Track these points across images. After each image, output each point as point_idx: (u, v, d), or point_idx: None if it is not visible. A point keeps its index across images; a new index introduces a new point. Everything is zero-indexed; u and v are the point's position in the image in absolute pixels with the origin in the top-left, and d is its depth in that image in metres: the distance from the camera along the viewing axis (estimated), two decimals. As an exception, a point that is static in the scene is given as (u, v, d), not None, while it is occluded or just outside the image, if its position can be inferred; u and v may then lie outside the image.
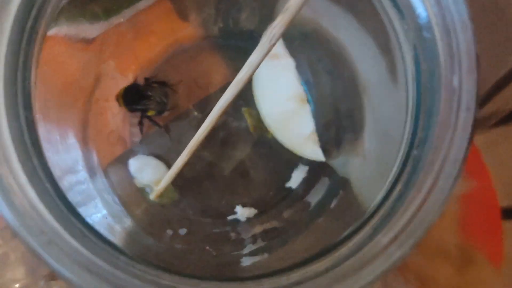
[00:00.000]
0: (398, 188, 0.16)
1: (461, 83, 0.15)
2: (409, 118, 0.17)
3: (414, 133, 0.16)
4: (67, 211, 0.17)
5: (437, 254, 0.37)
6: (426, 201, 0.15)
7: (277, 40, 0.20)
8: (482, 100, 0.39)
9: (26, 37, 0.17)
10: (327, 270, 0.16)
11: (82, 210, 0.23)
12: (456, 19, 0.15)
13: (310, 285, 0.16)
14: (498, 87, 0.40)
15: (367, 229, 0.16)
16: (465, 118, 0.15)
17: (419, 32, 0.16)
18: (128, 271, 0.17)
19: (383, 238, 0.15)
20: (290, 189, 0.33)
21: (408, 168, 0.16)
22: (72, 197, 0.24)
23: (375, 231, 0.16)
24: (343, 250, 0.16)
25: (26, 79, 0.17)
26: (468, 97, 0.15)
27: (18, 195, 0.16)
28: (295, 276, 0.17)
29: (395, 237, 0.15)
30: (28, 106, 0.17)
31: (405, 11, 0.17)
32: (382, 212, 0.16)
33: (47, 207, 0.16)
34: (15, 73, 0.17)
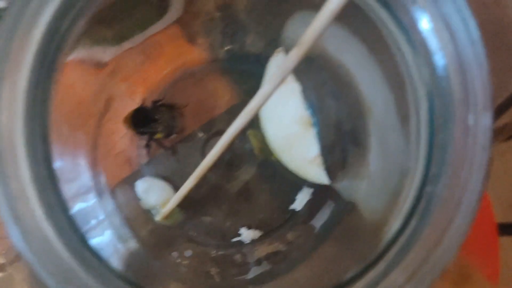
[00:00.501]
0: (413, 223, 0.16)
1: (476, 122, 0.15)
2: (421, 152, 0.17)
3: (427, 168, 0.16)
4: (83, 246, 0.17)
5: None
6: (442, 240, 0.15)
7: (290, 73, 0.20)
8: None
9: (45, 71, 0.17)
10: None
11: (90, 234, 0.23)
12: (471, 58, 0.16)
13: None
14: (500, 110, 0.41)
15: (380, 266, 0.16)
16: (481, 157, 0.15)
17: (433, 69, 0.16)
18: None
19: (399, 277, 0.15)
20: (294, 211, 0.34)
21: (422, 204, 0.16)
22: (81, 219, 0.24)
23: (389, 268, 0.16)
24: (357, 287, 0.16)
25: (44, 112, 0.17)
26: (483, 136, 0.15)
27: (35, 233, 0.16)
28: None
29: (411, 276, 0.15)
30: (45, 139, 0.17)
31: (419, 47, 0.17)
32: (396, 248, 0.16)
33: (63, 244, 0.16)
34: (34, 107, 0.17)
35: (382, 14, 0.18)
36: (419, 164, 0.17)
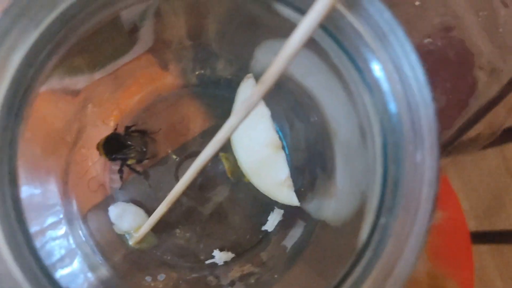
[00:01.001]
0: (368, 255, 0.17)
1: (423, 159, 0.16)
2: (376, 185, 0.18)
3: (381, 201, 0.18)
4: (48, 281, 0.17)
5: (409, 283, 0.38)
6: (393, 271, 0.16)
7: (255, 106, 0.21)
8: (452, 139, 0.42)
9: (13, 115, 0.17)
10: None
11: (59, 265, 0.23)
12: (418, 99, 0.17)
13: None
14: (465, 127, 0.43)
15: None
16: (428, 193, 0.16)
17: (386, 108, 0.18)
18: None
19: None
20: (266, 232, 0.34)
21: (376, 236, 0.17)
22: (50, 251, 0.24)
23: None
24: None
25: (12, 155, 0.18)
26: (430, 173, 0.16)
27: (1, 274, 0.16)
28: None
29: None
30: (14, 182, 0.17)
31: (373, 87, 0.18)
32: (351, 280, 0.17)
33: (28, 279, 0.16)
34: (2, 152, 0.17)
35: (339, 54, 0.19)
36: (374, 196, 0.18)
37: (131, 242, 0.32)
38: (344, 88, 0.28)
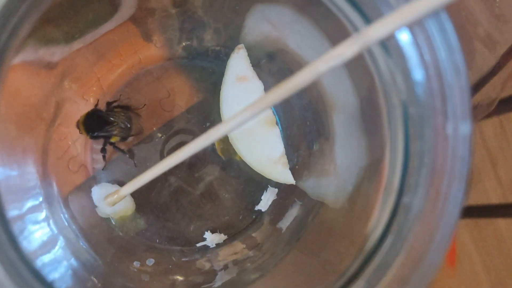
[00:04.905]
0: (391, 238, 0.15)
1: (456, 131, 0.15)
2: (398, 161, 0.17)
3: (403, 179, 0.16)
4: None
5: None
6: (425, 254, 0.14)
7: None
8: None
9: None
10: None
11: (40, 252, 0.21)
12: (449, 64, 0.15)
13: None
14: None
15: (360, 283, 0.15)
16: (461, 167, 0.14)
17: (408, 76, 0.16)
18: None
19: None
20: (260, 212, 0.33)
21: (400, 217, 0.15)
22: (30, 235, 0.22)
23: (369, 285, 0.15)
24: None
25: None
26: (462, 146, 0.14)
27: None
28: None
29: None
30: None
31: (393, 52, 0.16)
32: (374, 263, 0.15)
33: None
34: None
35: (352, 15, 0.17)
36: (395, 173, 0.16)
37: (106, 203, 0.29)
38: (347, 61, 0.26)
